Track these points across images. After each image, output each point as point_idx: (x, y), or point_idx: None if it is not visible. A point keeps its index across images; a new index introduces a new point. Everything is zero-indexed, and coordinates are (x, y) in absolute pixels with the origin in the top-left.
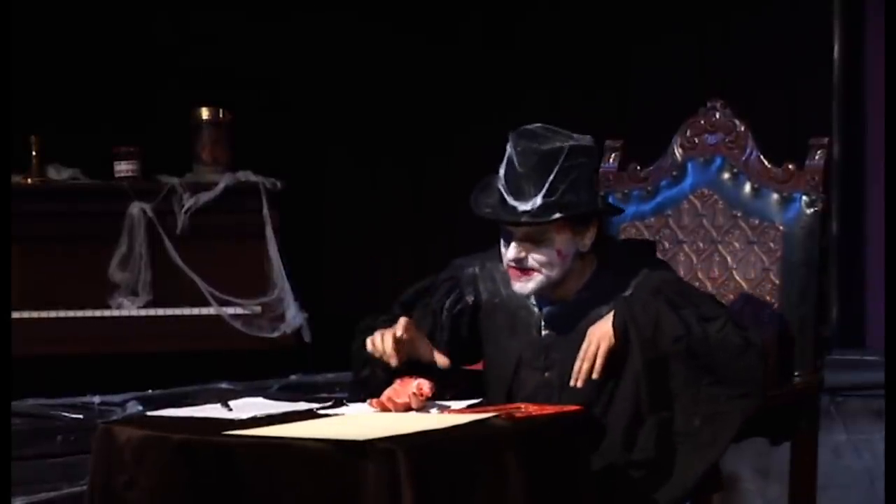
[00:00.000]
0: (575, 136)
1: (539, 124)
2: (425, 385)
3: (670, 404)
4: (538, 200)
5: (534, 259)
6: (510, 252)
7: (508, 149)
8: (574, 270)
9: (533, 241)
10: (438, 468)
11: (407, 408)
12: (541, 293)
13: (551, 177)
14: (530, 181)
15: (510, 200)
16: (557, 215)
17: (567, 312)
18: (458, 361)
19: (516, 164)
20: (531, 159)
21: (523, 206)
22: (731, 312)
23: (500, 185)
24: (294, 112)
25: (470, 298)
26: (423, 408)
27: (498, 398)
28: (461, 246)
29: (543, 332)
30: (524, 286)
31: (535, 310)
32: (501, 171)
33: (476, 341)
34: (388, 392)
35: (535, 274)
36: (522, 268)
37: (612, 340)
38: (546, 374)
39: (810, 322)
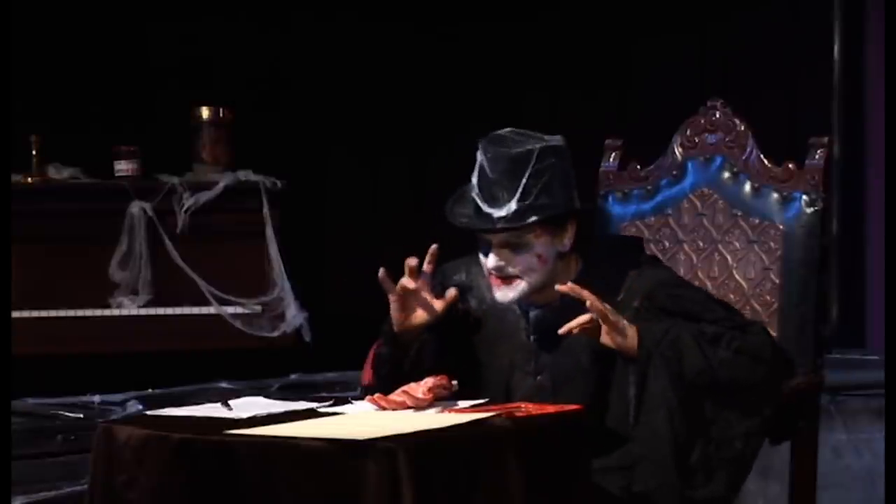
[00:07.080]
0: (546, 137)
1: (509, 129)
2: (444, 380)
3: (707, 432)
4: (512, 205)
5: (514, 266)
6: (490, 261)
7: (479, 156)
8: (557, 272)
9: (511, 247)
10: (438, 468)
11: (405, 406)
12: (525, 299)
13: (523, 180)
14: (503, 186)
15: (485, 208)
16: (533, 218)
17: (553, 316)
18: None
19: (487, 170)
20: (502, 164)
21: (498, 213)
22: (728, 309)
23: (474, 194)
24: (294, 111)
25: (459, 306)
26: (423, 407)
27: (496, 402)
28: (461, 246)
29: (532, 337)
30: (506, 294)
31: (521, 314)
32: (474, 180)
33: (462, 349)
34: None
35: (517, 281)
36: (504, 276)
37: (613, 347)
38: (538, 378)
39: (810, 322)
